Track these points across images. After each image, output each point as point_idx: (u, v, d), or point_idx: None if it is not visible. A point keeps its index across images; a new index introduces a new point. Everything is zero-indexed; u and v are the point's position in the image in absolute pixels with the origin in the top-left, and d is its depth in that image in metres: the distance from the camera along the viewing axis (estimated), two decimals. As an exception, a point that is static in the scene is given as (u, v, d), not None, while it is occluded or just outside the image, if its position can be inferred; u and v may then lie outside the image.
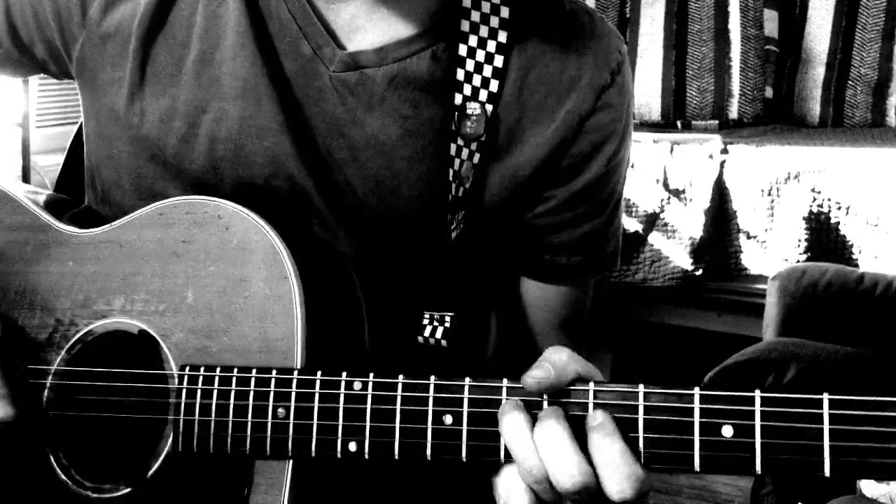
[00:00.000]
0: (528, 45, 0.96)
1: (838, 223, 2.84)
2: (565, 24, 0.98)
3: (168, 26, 0.97)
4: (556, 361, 0.76)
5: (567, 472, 0.73)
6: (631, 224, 3.02)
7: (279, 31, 0.95)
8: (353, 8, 0.94)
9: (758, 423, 0.71)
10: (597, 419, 0.73)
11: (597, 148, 0.98)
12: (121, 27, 0.98)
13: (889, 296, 2.39)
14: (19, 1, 1.02)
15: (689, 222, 2.97)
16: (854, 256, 2.83)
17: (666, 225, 3.00)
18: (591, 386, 0.75)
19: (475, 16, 0.96)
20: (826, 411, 0.69)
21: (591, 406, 0.75)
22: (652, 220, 3.01)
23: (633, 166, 2.98)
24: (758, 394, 0.71)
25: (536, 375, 0.75)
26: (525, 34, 0.96)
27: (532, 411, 0.76)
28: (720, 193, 2.96)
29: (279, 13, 0.95)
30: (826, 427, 0.69)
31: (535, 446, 0.74)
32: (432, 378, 0.79)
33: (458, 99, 0.95)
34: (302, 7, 0.95)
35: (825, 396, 0.69)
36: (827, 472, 0.69)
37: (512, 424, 0.75)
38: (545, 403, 0.76)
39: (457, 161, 0.95)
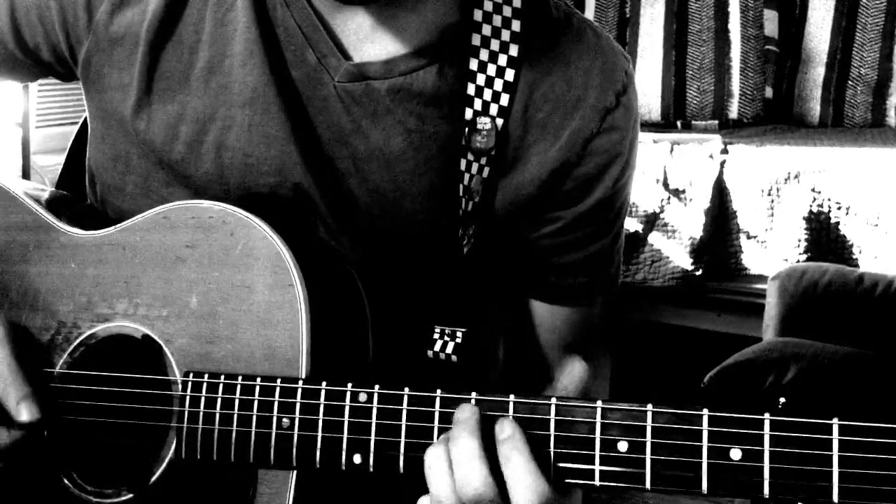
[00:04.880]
0: (535, 62, 0.96)
1: (838, 223, 2.84)
2: (572, 43, 0.97)
3: (177, 32, 0.96)
4: None
5: (471, 486, 0.73)
6: (631, 224, 3.02)
7: (285, 39, 0.95)
8: (360, 19, 0.93)
9: (766, 447, 0.70)
10: (505, 432, 0.74)
11: (602, 170, 0.98)
12: (129, 32, 0.97)
13: (889, 296, 2.39)
14: (24, 3, 1.01)
15: (689, 222, 2.96)
16: (854, 256, 2.83)
17: (666, 225, 3.00)
18: (599, 404, 0.75)
19: (486, 29, 0.95)
20: (836, 437, 0.69)
21: (598, 426, 0.74)
22: (652, 220, 3.01)
23: (633, 167, 2.97)
24: (767, 417, 0.70)
25: None
26: (534, 50, 0.96)
27: (537, 428, 0.76)
28: (720, 193, 2.95)
29: (285, 22, 0.95)
30: (835, 452, 0.69)
31: (447, 460, 0.75)
32: (438, 391, 0.79)
33: (469, 113, 0.94)
34: (308, 16, 0.94)
35: (835, 422, 0.69)
36: (835, 499, 0.68)
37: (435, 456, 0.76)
38: (552, 424, 0.76)
39: (466, 175, 0.95)
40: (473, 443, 0.74)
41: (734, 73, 3.45)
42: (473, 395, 0.77)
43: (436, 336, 0.96)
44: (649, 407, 0.73)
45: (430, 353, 0.96)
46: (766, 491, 0.70)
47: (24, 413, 0.87)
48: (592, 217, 1.00)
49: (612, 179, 0.98)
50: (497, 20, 0.95)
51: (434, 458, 0.76)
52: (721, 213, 2.96)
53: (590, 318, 1.07)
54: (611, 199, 1.00)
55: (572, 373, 1.05)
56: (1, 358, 0.88)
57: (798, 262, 2.78)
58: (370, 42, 0.94)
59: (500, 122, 0.94)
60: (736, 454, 0.71)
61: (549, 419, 0.75)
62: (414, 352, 0.96)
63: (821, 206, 2.84)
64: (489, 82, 0.95)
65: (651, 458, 0.73)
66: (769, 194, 2.89)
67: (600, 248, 1.02)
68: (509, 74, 0.95)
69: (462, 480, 0.74)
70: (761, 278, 2.82)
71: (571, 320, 1.06)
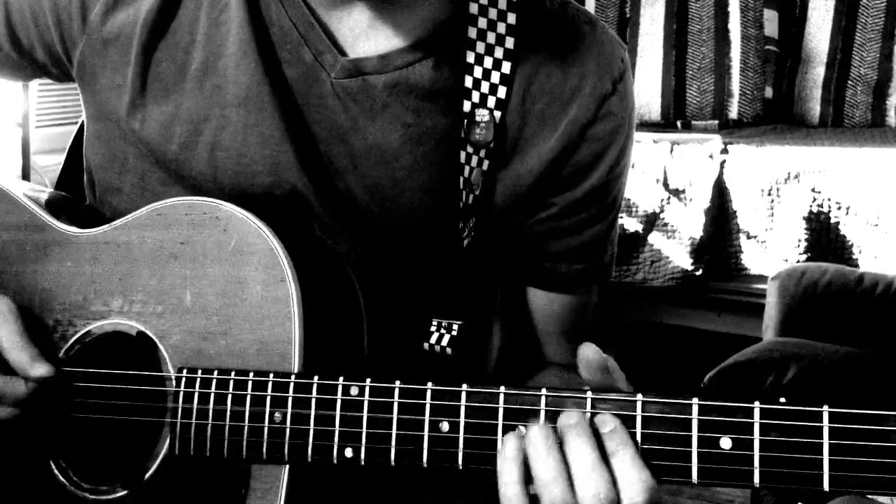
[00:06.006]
0: (532, 54, 0.96)
1: (838, 223, 2.84)
2: (568, 33, 0.97)
3: (170, 33, 0.97)
4: (611, 365, 0.75)
5: (593, 493, 0.72)
6: (631, 224, 3.02)
7: (280, 38, 0.95)
8: (356, 15, 0.94)
9: (756, 435, 0.70)
10: (608, 425, 0.73)
11: (598, 156, 0.98)
12: (122, 32, 0.97)
13: (889, 296, 2.38)
14: (19, 5, 1.01)
15: (689, 222, 2.96)
16: (854, 256, 2.83)
17: (666, 225, 3.00)
18: (589, 394, 0.75)
19: (482, 22, 0.95)
20: (826, 424, 0.68)
21: (587, 416, 0.74)
22: (652, 220, 3.01)
23: (633, 166, 2.97)
24: (757, 405, 0.70)
25: (593, 350, 0.75)
26: (530, 42, 0.96)
27: (528, 419, 0.76)
28: (720, 193, 2.95)
29: (280, 21, 0.95)
30: (826, 441, 0.68)
31: (564, 468, 0.73)
32: (429, 384, 0.79)
33: (467, 106, 0.95)
34: (303, 14, 0.94)
35: (825, 409, 0.69)
36: (826, 487, 0.68)
37: (541, 447, 0.74)
38: (542, 415, 0.76)
39: (466, 168, 0.95)
40: (593, 451, 0.73)
41: (734, 73, 3.45)
42: (464, 386, 0.78)
43: (433, 329, 0.97)
44: (639, 396, 0.73)
45: (426, 345, 0.96)
46: (757, 479, 0.70)
47: (39, 369, 0.88)
48: (587, 203, 1.00)
49: (607, 166, 0.99)
50: (492, 13, 0.96)
51: (549, 469, 0.73)
52: (721, 213, 2.96)
53: (586, 305, 1.08)
54: (606, 185, 1.00)
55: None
56: (12, 329, 0.90)
57: (798, 262, 2.78)
58: (366, 38, 0.94)
59: (497, 114, 0.95)
60: (726, 443, 0.70)
61: (538, 409, 0.76)
62: (410, 345, 0.96)
63: (821, 206, 2.85)
64: (486, 75, 0.95)
65: (641, 448, 0.73)
66: (769, 194, 2.90)
67: (595, 236, 1.03)
68: (506, 67, 0.95)
69: (584, 488, 0.72)
70: (761, 278, 2.82)
71: (568, 307, 1.06)
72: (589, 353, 0.75)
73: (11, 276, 0.96)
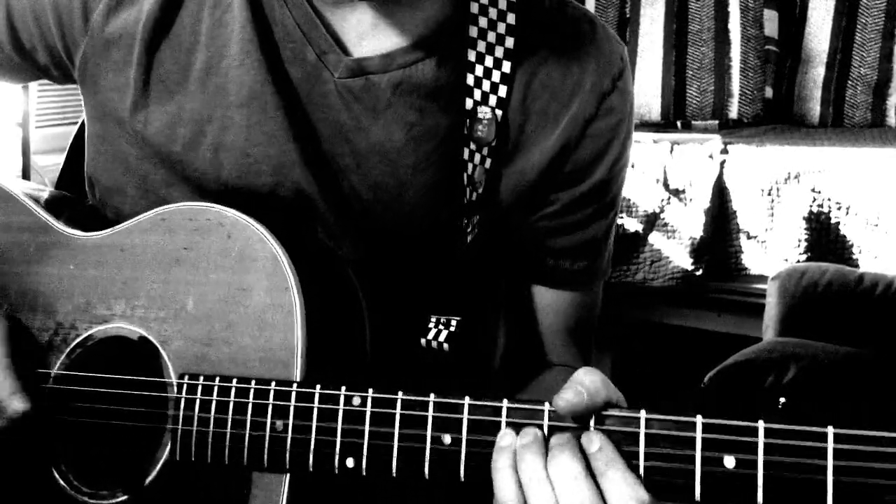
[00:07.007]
0: (532, 53, 0.97)
1: (838, 223, 2.84)
2: (567, 32, 0.98)
3: (173, 33, 0.97)
4: (590, 385, 0.73)
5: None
6: (631, 224, 3.02)
7: (283, 37, 0.95)
8: (359, 14, 0.94)
9: (760, 456, 0.69)
10: (595, 444, 0.73)
11: (601, 153, 0.99)
12: (124, 33, 0.97)
13: (889, 296, 2.38)
14: (20, 6, 1.01)
15: (689, 222, 2.96)
16: (854, 256, 2.83)
17: (666, 225, 2.99)
18: None
19: (483, 22, 0.96)
20: (830, 445, 0.68)
21: (592, 430, 0.74)
22: (652, 220, 3.01)
23: (633, 166, 2.98)
24: (761, 424, 0.70)
25: (568, 398, 0.73)
26: (529, 41, 0.97)
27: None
28: (720, 193, 2.95)
29: (283, 20, 0.95)
30: (830, 462, 0.68)
31: (550, 486, 0.73)
32: (432, 396, 0.79)
33: (469, 104, 0.95)
34: (306, 13, 0.95)
35: (830, 430, 0.68)
36: None
37: (530, 464, 0.73)
38: (545, 429, 0.75)
39: (469, 165, 0.95)
40: (576, 463, 0.72)
41: (734, 73, 3.45)
42: (467, 399, 0.77)
43: (430, 325, 0.97)
44: (642, 413, 0.73)
45: (423, 341, 0.96)
46: (760, 500, 0.69)
47: (17, 404, 0.88)
48: (590, 199, 1.01)
49: (609, 162, 1.00)
50: (492, 13, 0.96)
51: (535, 470, 0.73)
52: (721, 213, 2.95)
53: (591, 303, 1.08)
54: (608, 182, 1.01)
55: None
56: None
57: (798, 262, 2.78)
58: (369, 37, 0.95)
59: (499, 113, 0.95)
60: (730, 462, 0.70)
61: (542, 424, 0.75)
62: (409, 341, 0.96)
63: (821, 206, 2.84)
64: (487, 73, 0.95)
65: (644, 466, 0.72)
66: (769, 194, 2.89)
67: (596, 233, 1.04)
68: (506, 66, 0.96)
69: (566, 498, 0.72)
70: (761, 278, 2.82)
71: (572, 305, 1.06)
72: (585, 379, 0.74)
73: (13, 277, 0.96)
